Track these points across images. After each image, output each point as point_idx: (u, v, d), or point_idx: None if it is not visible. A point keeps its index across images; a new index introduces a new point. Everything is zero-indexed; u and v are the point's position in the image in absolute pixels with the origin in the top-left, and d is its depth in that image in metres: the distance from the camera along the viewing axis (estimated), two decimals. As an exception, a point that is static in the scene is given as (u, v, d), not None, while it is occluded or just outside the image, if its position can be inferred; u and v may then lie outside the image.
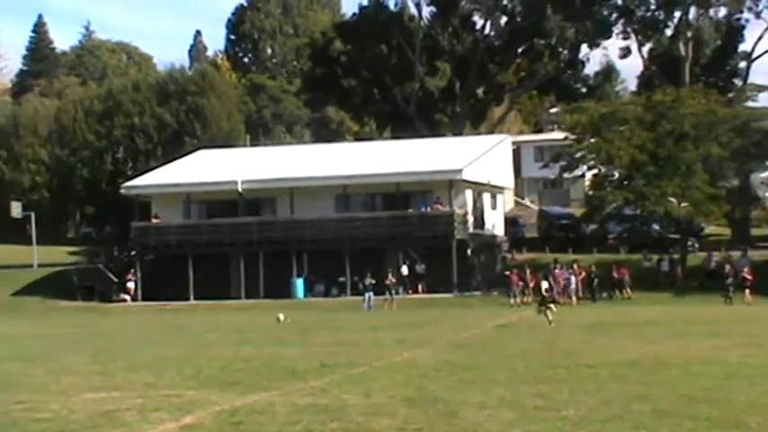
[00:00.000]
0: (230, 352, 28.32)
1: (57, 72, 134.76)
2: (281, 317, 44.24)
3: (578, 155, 68.82)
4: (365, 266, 60.47)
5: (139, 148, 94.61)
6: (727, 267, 58.43)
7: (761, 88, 76.71)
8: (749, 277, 56.30)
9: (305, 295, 65.25)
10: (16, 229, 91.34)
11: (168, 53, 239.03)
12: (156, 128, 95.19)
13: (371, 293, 57.81)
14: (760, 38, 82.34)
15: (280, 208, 68.87)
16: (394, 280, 60.00)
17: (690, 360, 23.41)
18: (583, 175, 75.42)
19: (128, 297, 65.49)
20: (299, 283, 65.57)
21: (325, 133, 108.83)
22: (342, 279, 65.38)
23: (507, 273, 60.03)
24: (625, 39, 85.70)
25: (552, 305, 39.67)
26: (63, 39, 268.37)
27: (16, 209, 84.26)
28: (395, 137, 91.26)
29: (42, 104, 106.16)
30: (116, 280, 68.83)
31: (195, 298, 65.06)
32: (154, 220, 69.81)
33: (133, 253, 70.37)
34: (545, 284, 42.95)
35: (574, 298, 59.21)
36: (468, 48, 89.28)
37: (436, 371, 22.02)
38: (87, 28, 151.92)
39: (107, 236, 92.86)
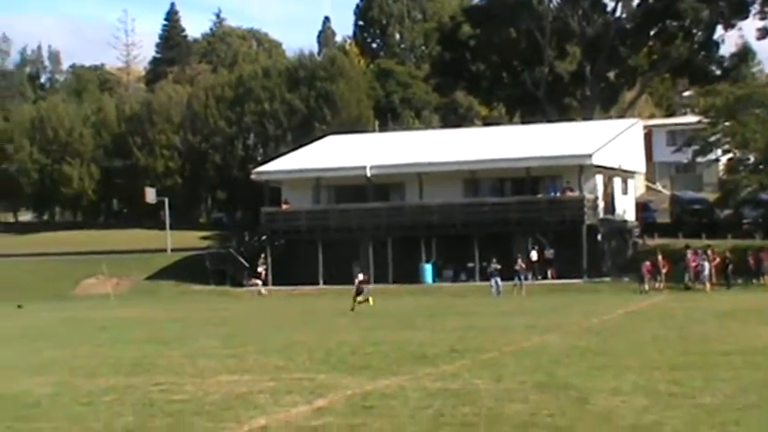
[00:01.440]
0: (360, 336, 28.49)
1: (189, 59, 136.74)
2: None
3: (712, 139, 67.55)
4: (494, 251, 60.23)
5: (269, 134, 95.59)
6: None
7: None
8: None
9: (433, 280, 65.27)
10: (151, 214, 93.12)
11: (297, 40, 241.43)
12: (286, 114, 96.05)
13: (499, 278, 57.55)
14: None
15: (408, 193, 68.94)
16: (523, 265, 59.62)
17: (828, 348, 22.85)
18: (717, 160, 73.93)
19: (259, 282, 66.24)
20: (428, 269, 65.61)
21: (453, 118, 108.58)
22: (470, 264, 65.23)
23: (648, 262, 58.58)
24: (762, 19, 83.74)
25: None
26: (195, 26, 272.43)
27: (151, 194, 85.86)
28: (524, 121, 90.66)
29: (175, 91, 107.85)
30: (247, 265, 69.68)
31: (324, 283, 65.52)
32: (284, 206, 70.46)
33: (263, 238, 71.16)
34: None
35: (707, 284, 58.17)
36: (598, 30, 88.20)
37: (567, 356, 21.85)
38: (218, 15, 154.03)
39: (238, 221, 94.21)
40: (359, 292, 45.13)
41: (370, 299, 44.78)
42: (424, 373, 19.14)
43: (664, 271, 57.25)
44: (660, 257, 57.40)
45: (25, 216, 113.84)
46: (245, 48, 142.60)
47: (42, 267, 78.36)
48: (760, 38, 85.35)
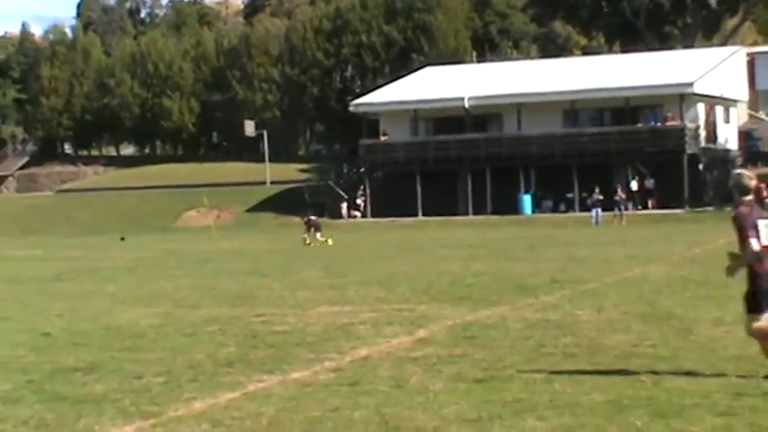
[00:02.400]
0: (460, 267, 28.52)
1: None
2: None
3: (818, 65, 66.10)
4: (593, 182, 59.82)
5: (367, 66, 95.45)
6: None
7: None
8: None
9: (532, 211, 65.07)
10: (250, 147, 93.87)
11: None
12: (384, 45, 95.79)
13: (599, 209, 57.19)
14: None
15: (506, 124, 68.61)
16: (623, 195, 59.13)
17: None
18: (822, 87, 72.43)
19: (358, 213, 66.56)
20: (527, 199, 65.40)
21: (552, 48, 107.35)
22: (569, 195, 64.88)
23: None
24: None
25: None
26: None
27: (249, 127, 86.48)
28: (623, 50, 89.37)
29: (273, 24, 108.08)
30: (346, 197, 70.01)
31: (423, 214, 65.65)
32: (382, 138, 70.56)
33: (362, 170, 71.40)
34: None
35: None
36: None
37: (669, 287, 21.67)
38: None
39: (336, 153, 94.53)
40: (316, 228, 45.88)
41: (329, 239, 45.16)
42: (524, 304, 19.13)
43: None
44: (764, 186, 56.43)
45: (127, 150, 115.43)
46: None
47: (144, 200, 79.62)
48: None
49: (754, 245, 11.10)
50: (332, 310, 19.05)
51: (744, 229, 11.15)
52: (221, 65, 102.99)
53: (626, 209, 58.98)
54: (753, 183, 11.44)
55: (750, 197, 11.35)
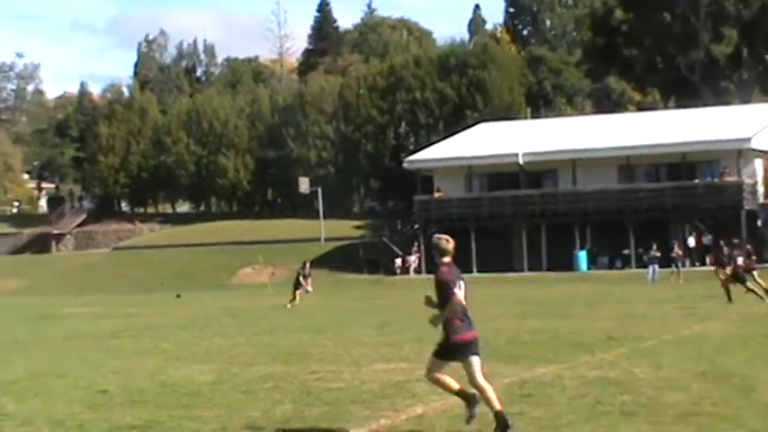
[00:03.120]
0: (515, 324, 28.34)
1: (340, 50, 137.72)
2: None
3: None
4: (649, 238, 59.39)
5: (421, 123, 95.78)
6: None
7: None
8: None
9: (588, 268, 64.67)
10: (304, 203, 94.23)
11: (447, 28, 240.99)
12: (438, 102, 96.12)
13: (656, 266, 56.72)
14: None
15: (561, 180, 68.45)
16: (680, 252, 58.61)
17: None
18: None
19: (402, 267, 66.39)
20: (582, 256, 65.05)
21: (606, 104, 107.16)
22: (626, 251, 64.46)
23: None
24: None
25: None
26: (346, 17, 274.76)
27: (304, 184, 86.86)
28: (679, 106, 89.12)
29: (327, 82, 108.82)
30: (400, 253, 69.96)
31: (477, 271, 65.44)
32: (436, 194, 70.58)
33: (416, 226, 71.39)
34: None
35: None
36: (755, 12, 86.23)
37: (728, 345, 21.40)
38: (369, 5, 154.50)
39: (391, 210, 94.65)
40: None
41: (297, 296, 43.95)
42: (581, 362, 18.94)
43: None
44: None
45: (182, 207, 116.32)
46: (396, 37, 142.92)
47: (199, 257, 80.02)
48: None
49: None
50: (387, 368, 18.96)
51: (449, 287, 12.33)
52: (276, 122, 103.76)
53: (683, 265, 58.43)
54: (450, 245, 12.36)
55: (449, 258, 12.40)
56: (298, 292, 43.93)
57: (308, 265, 46.44)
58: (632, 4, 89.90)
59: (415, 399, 15.02)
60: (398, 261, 69.94)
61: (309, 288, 45.05)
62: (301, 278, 44.70)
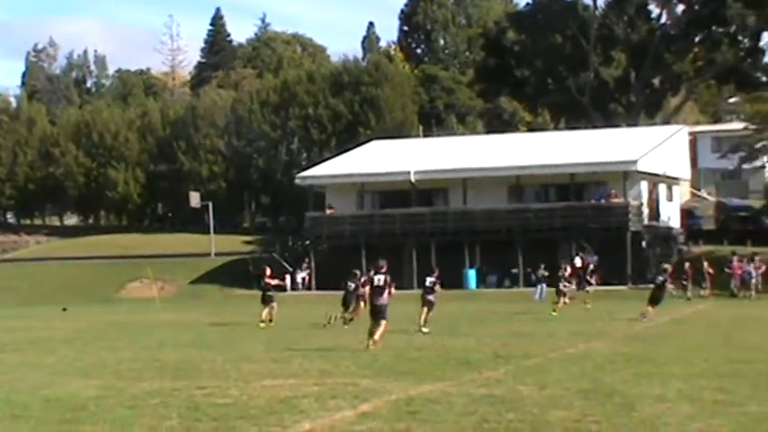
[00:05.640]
0: (404, 341, 28.47)
1: (233, 64, 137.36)
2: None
3: (759, 145, 67.23)
4: (538, 257, 60.09)
5: (314, 139, 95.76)
6: None
7: None
8: None
9: (477, 286, 65.18)
10: (195, 218, 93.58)
11: (341, 45, 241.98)
12: (331, 118, 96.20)
13: (544, 285, 57.42)
14: None
15: (452, 198, 68.94)
16: (569, 272, 59.27)
17: None
18: (763, 166, 73.53)
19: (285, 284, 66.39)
20: (472, 274, 65.54)
21: (497, 124, 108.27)
22: (514, 270, 65.11)
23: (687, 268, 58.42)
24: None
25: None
26: (240, 31, 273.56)
27: (195, 199, 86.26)
28: (568, 127, 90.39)
29: (219, 96, 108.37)
30: (291, 269, 69.83)
31: (368, 287, 65.50)
32: (328, 211, 70.59)
33: (307, 243, 71.32)
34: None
35: (753, 291, 57.83)
36: (643, 37, 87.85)
37: (611, 363, 21.79)
38: (263, 20, 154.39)
39: (282, 225, 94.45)
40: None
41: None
42: (468, 379, 19.13)
43: (710, 278, 56.91)
44: (706, 264, 57.03)
45: (71, 220, 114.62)
46: (290, 52, 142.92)
47: (87, 271, 78.91)
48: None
49: None
50: (275, 384, 18.94)
51: None
52: (167, 135, 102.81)
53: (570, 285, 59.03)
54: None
55: None
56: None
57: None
58: (524, 26, 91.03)
59: (302, 415, 15.04)
60: (288, 277, 69.68)
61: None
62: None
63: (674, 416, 14.57)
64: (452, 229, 66.01)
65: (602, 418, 14.36)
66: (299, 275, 69.28)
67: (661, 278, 39.64)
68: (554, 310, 43.36)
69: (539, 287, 57.38)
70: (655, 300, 37.97)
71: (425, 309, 34.54)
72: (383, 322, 26.30)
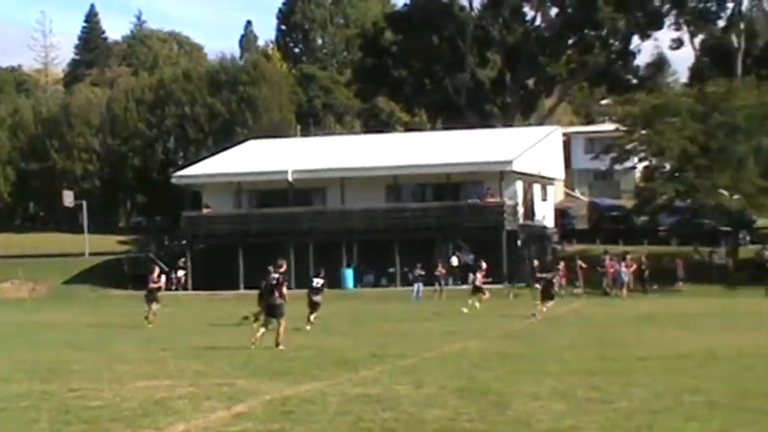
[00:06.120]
0: (281, 341, 28.32)
1: (108, 62, 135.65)
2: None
3: (629, 146, 68.39)
4: (415, 257, 60.44)
5: (190, 138, 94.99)
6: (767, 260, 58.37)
7: (814, 80, 75.65)
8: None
9: (354, 285, 65.29)
10: (68, 217, 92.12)
11: (219, 43, 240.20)
12: (207, 117, 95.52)
13: (421, 284, 57.78)
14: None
15: (330, 198, 68.95)
16: (444, 271, 59.85)
17: (742, 353, 23.25)
18: (634, 167, 74.89)
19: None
20: (349, 274, 65.61)
21: (375, 123, 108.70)
22: (391, 269, 65.38)
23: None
24: (677, 30, 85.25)
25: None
26: (115, 29, 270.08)
27: (68, 198, 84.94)
28: (445, 127, 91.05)
29: (94, 94, 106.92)
30: (167, 269, 69.14)
31: (245, 287, 65.20)
32: (204, 210, 70.11)
33: (183, 242, 70.73)
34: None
35: (624, 290, 58.92)
36: (518, 38, 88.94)
37: (487, 362, 21.98)
38: (139, 18, 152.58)
39: (157, 225, 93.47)
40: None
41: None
42: (344, 379, 19.13)
43: (583, 276, 57.83)
44: (579, 263, 57.95)
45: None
46: (166, 51, 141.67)
47: (-43, 271, 77.09)
48: (674, 48, 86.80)
49: None
50: (149, 385, 18.72)
51: None
52: (39, 133, 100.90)
53: (446, 284, 59.67)
54: None
55: None
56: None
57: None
58: (402, 27, 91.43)
59: (176, 416, 14.87)
60: (164, 277, 68.88)
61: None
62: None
63: (547, 413, 14.75)
64: (330, 229, 65.99)
65: (477, 416, 14.47)
66: (176, 275, 68.61)
67: (549, 275, 40.44)
68: (476, 305, 43.84)
69: (416, 286, 57.74)
70: (546, 296, 38.63)
71: (311, 309, 34.97)
72: (281, 321, 26.42)
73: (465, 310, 43.00)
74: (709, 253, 65.28)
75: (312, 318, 34.80)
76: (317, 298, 35.53)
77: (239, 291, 64.81)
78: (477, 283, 46.55)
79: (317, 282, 36.24)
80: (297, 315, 32.99)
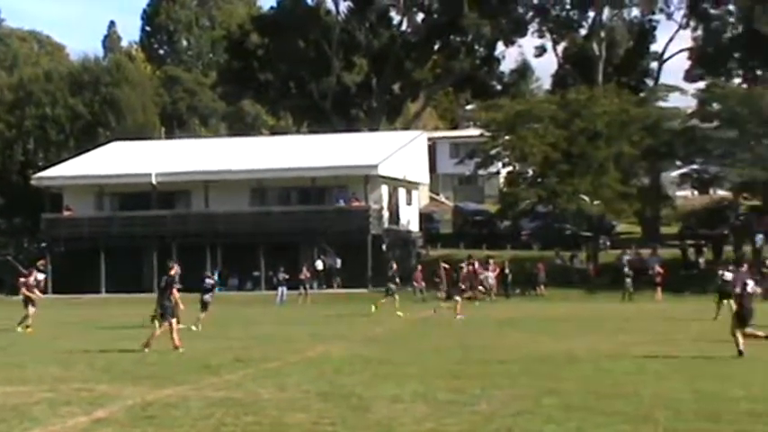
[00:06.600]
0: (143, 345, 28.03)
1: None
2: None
3: (493, 152, 69.26)
4: (280, 261, 60.36)
5: (51, 139, 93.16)
6: (626, 266, 59.57)
7: (671, 88, 77.57)
8: (661, 271, 57.11)
9: (219, 289, 64.79)
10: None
11: (81, 43, 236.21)
12: (69, 118, 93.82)
13: (285, 288, 57.73)
14: (671, 39, 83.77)
15: (194, 201, 68.48)
16: (308, 275, 59.87)
17: (600, 356, 23.71)
18: (497, 172, 75.88)
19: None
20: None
21: (240, 127, 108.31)
22: (256, 273, 65.16)
23: (418, 272, 60.07)
24: (540, 37, 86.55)
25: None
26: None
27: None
28: (311, 131, 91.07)
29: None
30: (26, 272, 67.78)
31: (107, 291, 64.41)
32: (65, 212, 68.99)
33: (44, 245, 69.49)
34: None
35: (490, 294, 59.52)
36: (384, 43, 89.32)
37: (350, 365, 22.05)
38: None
39: (17, 227, 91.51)
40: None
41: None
42: (207, 383, 19.03)
43: (445, 281, 58.31)
44: (443, 267, 58.37)
45: None
46: (26, 50, 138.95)
47: None
48: (538, 55, 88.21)
49: None
50: (6, 390, 18.35)
51: None
52: None
53: (311, 288, 59.68)
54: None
55: None
56: None
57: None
58: (268, 30, 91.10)
59: (33, 422, 14.63)
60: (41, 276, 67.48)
61: None
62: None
63: (408, 416, 14.87)
64: (194, 232, 65.49)
65: (339, 419, 14.53)
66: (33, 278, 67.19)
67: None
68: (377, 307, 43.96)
69: (280, 290, 57.67)
70: (450, 295, 39.82)
71: (201, 308, 36.31)
72: (171, 322, 26.58)
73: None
74: (570, 257, 66.41)
75: (201, 316, 35.75)
76: (206, 297, 36.68)
77: (101, 294, 63.97)
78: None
79: (209, 282, 37.34)
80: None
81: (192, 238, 64.97)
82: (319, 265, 64.24)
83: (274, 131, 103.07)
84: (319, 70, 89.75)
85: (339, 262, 64.75)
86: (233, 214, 66.20)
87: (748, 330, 23.56)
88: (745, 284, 23.88)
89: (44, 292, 65.45)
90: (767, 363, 22.05)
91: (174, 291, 27.20)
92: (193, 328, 33.93)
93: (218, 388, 18.33)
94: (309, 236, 64.81)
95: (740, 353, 22.96)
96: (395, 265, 49.53)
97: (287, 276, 58.15)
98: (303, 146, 74.25)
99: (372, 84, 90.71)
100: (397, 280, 47.86)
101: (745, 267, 26.90)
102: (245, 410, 15.41)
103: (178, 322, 27.65)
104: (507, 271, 61.77)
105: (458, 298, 41.38)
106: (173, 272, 27.72)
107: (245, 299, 60.44)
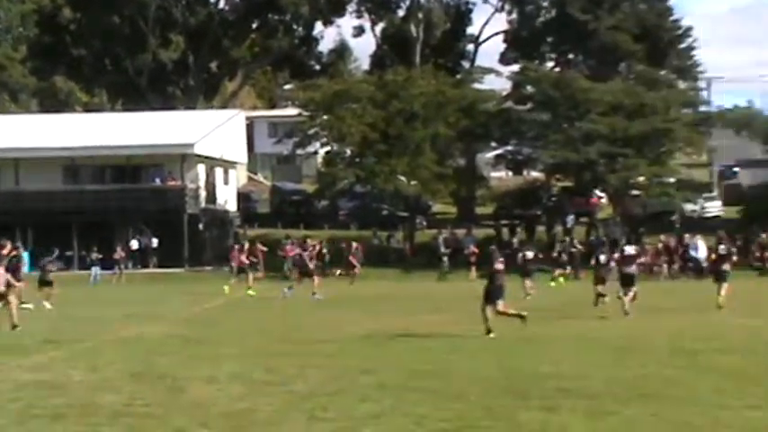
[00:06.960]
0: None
1: None
2: None
3: (311, 131, 69.14)
4: (94, 240, 59.28)
5: None
6: (441, 245, 60.46)
7: (486, 71, 78.60)
8: (476, 251, 57.89)
9: (31, 269, 63.25)
10: None
11: None
12: None
13: (98, 268, 56.77)
14: (487, 22, 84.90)
15: (4, 179, 66.61)
16: (123, 254, 58.99)
17: (416, 334, 23.93)
18: (315, 152, 75.83)
19: None
20: (25, 257, 63.47)
21: (53, 103, 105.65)
22: (69, 253, 63.81)
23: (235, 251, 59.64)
24: (359, 17, 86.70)
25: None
26: None
27: None
28: (126, 109, 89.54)
29: None
30: None
31: None
32: None
33: None
34: None
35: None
36: (201, 20, 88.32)
37: (165, 346, 21.79)
38: None
39: None
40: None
41: None
42: (15, 365, 18.54)
43: (261, 260, 58.09)
44: (260, 247, 58.09)
45: None
46: None
47: None
48: (356, 36, 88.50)
49: None
50: None
51: None
52: None
53: (126, 267, 58.82)
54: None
55: None
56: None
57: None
58: (81, 4, 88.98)
59: None
60: None
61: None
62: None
63: (223, 396, 14.75)
64: (3, 210, 63.70)
65: (152, 400, 14.31)
66: None
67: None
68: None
69: (93, 270, 56.72)
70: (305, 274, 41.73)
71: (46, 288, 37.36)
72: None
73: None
74: (387, 237, 66.91)
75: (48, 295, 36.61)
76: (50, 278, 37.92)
77: None
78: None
79: (48, 260, 39.89)
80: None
81: (2, 217, 63.16)
82: (135, 244, 63.31)
83: (88, 108, 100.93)
84: (135, 47, 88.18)
85: (155, 241, 63.91)
86: (44, 193, 64.63)
87: (500, 307, 23.60)
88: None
89: None
90: (577, 341, 22.57)
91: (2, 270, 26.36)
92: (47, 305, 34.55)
93: (27, 370, 17.88)
94: (124, 215, 63.79)
95: (488, 330, 23.00)
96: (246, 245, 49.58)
97: (100, 256, 57.18)
98: (118, 123, 72.84)
99: (189, 61, 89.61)
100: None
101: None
102: (55, 392, 15.06)
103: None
104: (325, 251, 61.82)
105: (316, 278, 41.67)
106: (5, 251, 26.74)
107: (58, 279, 58.95)
